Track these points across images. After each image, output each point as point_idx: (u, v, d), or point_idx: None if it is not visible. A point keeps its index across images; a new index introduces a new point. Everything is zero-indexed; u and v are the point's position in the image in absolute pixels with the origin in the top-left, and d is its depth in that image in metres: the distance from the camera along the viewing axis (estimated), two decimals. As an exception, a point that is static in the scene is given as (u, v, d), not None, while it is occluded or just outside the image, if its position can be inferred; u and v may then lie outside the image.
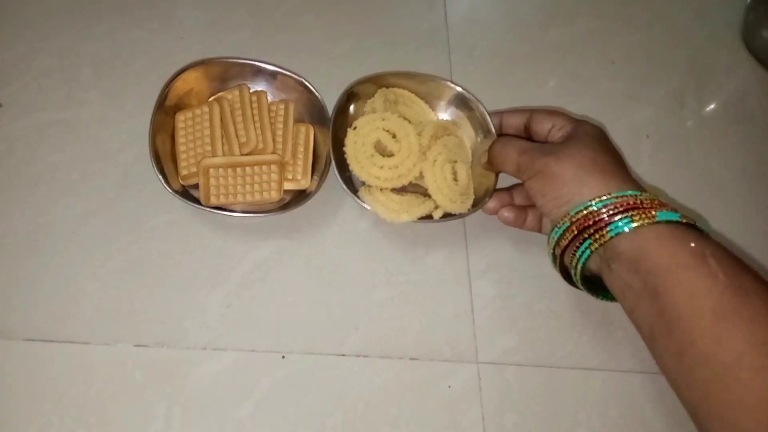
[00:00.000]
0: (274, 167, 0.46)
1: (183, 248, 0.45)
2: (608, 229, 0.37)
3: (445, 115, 0.53)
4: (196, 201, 0.44)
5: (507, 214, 0.47)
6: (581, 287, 0.42)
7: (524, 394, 0.44)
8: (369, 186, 0.47)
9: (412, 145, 0.48)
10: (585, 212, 0.38)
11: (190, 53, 0.52)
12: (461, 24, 0.62)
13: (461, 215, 0.47)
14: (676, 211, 0.37)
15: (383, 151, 0.49)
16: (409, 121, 0.50)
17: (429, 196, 0.48)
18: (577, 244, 0.39)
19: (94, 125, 0.48)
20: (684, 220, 0.37)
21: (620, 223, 0.37)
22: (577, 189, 0.39)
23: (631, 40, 0.66)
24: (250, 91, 0.50)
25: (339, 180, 0.46)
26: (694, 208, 0.58)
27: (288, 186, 0.47)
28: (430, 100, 0.52)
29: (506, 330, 0.47)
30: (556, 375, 0.46)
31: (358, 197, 0.46)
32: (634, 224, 0.36)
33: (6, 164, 0.46)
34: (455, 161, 0.49)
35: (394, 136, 0.49)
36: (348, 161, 0.47)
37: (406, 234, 0.49)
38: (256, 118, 0.48)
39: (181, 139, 0.47)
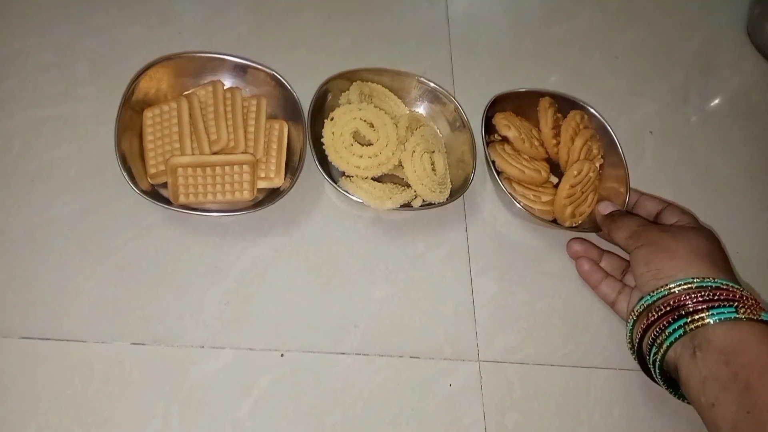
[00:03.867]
0: (246, 167, 0.45)
1: (181, 245, 0.44)
2: (709, 313, 0.36)
3: (418, 110, 0.53)
4: (166, 200, 0.44)
5: (586, 266, 0.47)
6: (657, 373, 0.39)
7: (526, 393, 0.44)
8: (349, 176, 0.47)
9: (390, 133, 0.48)
10: (686, 287, 0.37)
11: (188, 48, 0.51)
12: (462, 19, 0.61)
13: (440, 204, 0.47)
14: None
15: (361, 141, 0.49)
16: (386, 112, 0.50)
17: (406, 185, 0.48)
18: (670, 320, 0.37)
19: (91, 121, 0.48)
20: None
21: (724, 311, 0.35)
22: (684, 266, 0.38)
23: (634, 35, 0.65)
24: (225, 87, 0.49)
25: (321, 173, 0.45)
26: (697, 204, 0.57)
27: (261, 185, 0.46)
28: (402, 96, 0.53)
29: (507, 328, 0.46)
30: (557, 373, 0.45)
31: (340, 187, 0.46)
32: (739, 315, 0.35)
33: (2, 161, 0.45)
34: (433, 151, 0.50)
35: (371, 126, 0.49)
36: (326, 152, 0.47)
37: (407, 231, 0.49)
38: (229, 115, 0.47)
39: (149, 137, 0.46)
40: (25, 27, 0.51)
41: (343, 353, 0.43)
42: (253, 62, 0.49)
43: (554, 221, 0.50)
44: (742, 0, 0.69)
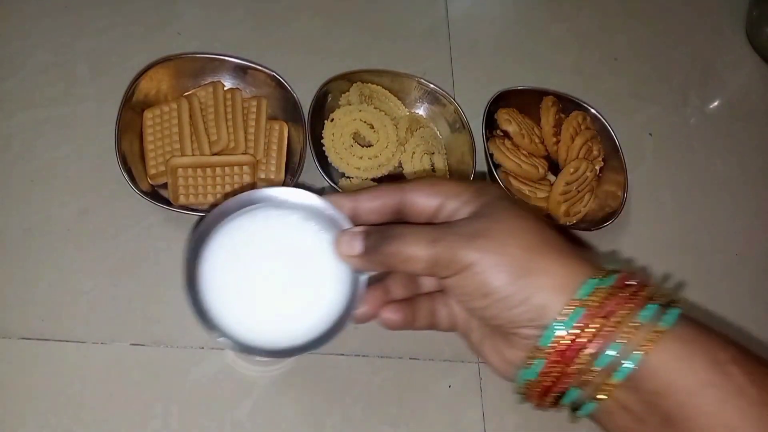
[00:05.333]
0: (246, 168, 0.45)
1: (181, 246, 0.44)
2: (598, 358, 0.26)
3: (418, 111, 0.53)
4: (166, 201, 0.44)
5: (392, 315, 0.32)
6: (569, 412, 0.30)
7: (525, 394, 0.44)
8: (349, 177, 0.47)
9: (390, 134, 0.49)
10: (560, 338, 0.26)
11: (187, 49, 0.51)
12: (462, 20, 0.61)
13: None
14: (664, 295, 0.27)
15: (361, 143, 0.49)
16: (386, 113, 0.50)
17: None
18: (561, 387, 0.28)
19: (91, 122, 0.48)
20: (677, 304, 0.27)
21: (618, 354, 0.26)
22: (535, 281, 0.27)
23: (634, 36, 0.65)
24: (225, 88, 0.49)
25: (321, 174, 0.45)
26: (696, 206, 0.57)
27: (261, 185, 0.47)
28: (402, 97, 0.53)
29: (507, 329, 0.46)
30: (557, 375, 0.45)
31: (340, 188, 0.46)
32: (640, 353, 0.26)
33: (2, 161, 0.45)
34: (432, 153, 0.50)
35: (371, 127, 0.49)
36: (326, 153, 0.48)
37: (406, 232, 0.49)
38: (230, 116, 0.47)
39: (149, 137, 0.46)
40: (25, 27, 0.51)
41: (343, 354, 0.43)
42: (254, 63, 0.49)
43: (549, 218, 0.50)
44: (741, 2, 0.69)
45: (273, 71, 0.49)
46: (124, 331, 0.41)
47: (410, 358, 0.44)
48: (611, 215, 0.50)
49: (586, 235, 0.51)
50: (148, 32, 0.53)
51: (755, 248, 0.56)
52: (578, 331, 0.26)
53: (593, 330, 0.26)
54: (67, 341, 0.40)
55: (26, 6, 0.51)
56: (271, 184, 0.47)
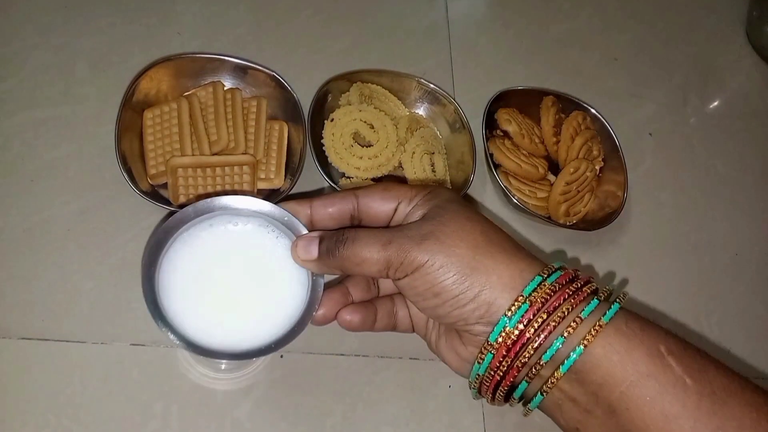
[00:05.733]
0: (246, 168, 0.45)
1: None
2: (545, 352, 0.28)
3: (418, 111, 0.53)
4: (166, 201, 0.44)
5: (350, 317, 0.33)
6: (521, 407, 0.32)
7: (525, 394, 0.44)
8: (349, 177, 0.48)
9: (390, 134, 0.49)
10: (508, 333, 0.28)
11: (188, 49, 0.51)
12: (462, 20, 0.61)
13: None
14: (606, 291, 0.29)
15: (361, 143, 0.49)
16: (386, 113, 0.50)
17: None
18: (511, 380, 0.29)
19: (91, 122, 0.48)
20: (618, 300, 0.28)
21: (562, 347, 0.27)
22: (483, 280, 0.28)
23: (634, 36, 0.65)
24: (225, 88, 0.49)
25: (321, 174, 0.45)
26: (696, 206, 0.57)
27: (261, 185, 0.46)
28: (402, 97, 0.53)
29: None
30: (557, 374, 0.45)
31: (340, 188, 0.46)
32: (582, 346, 0.27)
33: (2, 161, 0.45)
34: (432, 153, 0.50)
35: (371, 127, 0.49)
36: (327, 153, 0.48)
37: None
38: (230, 116, 0.47)
39: (149, 137, 0.46)
40: (25, 27, 0.51)
41: (343, 354, 0.43)
42: (254, 63, 0.49)
43: (549, 218, 0.50)
44: (741, 2, 0.69)
45: (273, 71, 0.49)
46: (124, 331, 0.41)
47: (410, 358, 0.44)
48: (611, 215, 0.50)
49: (586, 235, 0.51)
50: (148, 32, 0.53)
51: (755, 248, 0.56)
52: (524, 326, 0.28)
53: (538, 324, 0.27)
54: (67, 341, 0.40)
55: (26, 6, 0.51)
56: (272, 184, 0.47)
